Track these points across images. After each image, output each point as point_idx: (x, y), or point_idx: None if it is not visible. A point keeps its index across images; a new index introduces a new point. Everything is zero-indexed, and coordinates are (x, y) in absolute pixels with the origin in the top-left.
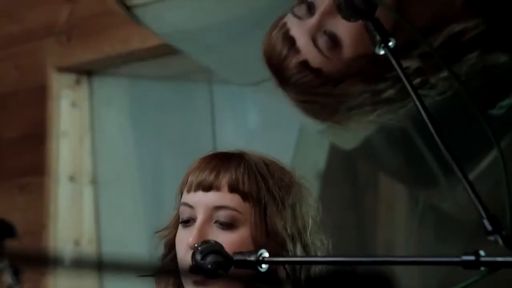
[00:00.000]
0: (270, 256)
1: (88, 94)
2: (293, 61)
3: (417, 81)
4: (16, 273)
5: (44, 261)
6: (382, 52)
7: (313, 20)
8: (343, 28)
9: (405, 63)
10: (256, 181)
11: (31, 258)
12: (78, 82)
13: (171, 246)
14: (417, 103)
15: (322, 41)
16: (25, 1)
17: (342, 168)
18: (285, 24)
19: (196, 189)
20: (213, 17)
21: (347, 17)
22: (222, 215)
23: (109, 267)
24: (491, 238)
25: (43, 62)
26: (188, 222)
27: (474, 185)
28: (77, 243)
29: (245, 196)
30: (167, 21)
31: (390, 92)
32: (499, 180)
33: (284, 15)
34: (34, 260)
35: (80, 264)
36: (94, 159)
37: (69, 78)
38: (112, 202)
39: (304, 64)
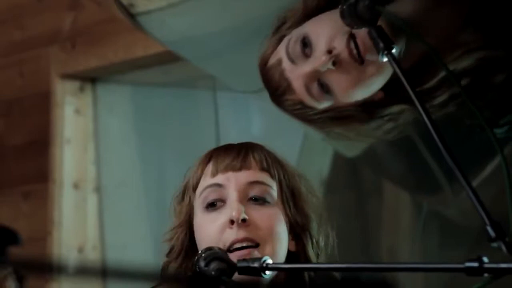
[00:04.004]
0: (300, 236)
1: (92, 101)
2: (290, 98)
3: (389, 125)
4: (20, 280)
5: (48, 268)
6: (385, 59)
7: (307, 69)
8: (337, 83)
9: (398, 107)
10: (279, 164)
11: (35, 265)
12: (82, 89)
13: (180, 248)
14: (421, 110)
15: (314, 89)
16: (29, 8)
17: (346, 174)
18: (280, 61)
19: (225, 171)
20: (216, 25)
21: (350, 25)
22: (257, 190)
23: (113, 273)
24: (495, 244)
25: (47, 69)
26: (214, 205)
27: (477, 192)
28: (81, 250)
29: (273, 176)
30: (170, 29)
31: (385, 127)
32: (502, 187)
33: (278, 36)
34: (38, 267)
35: (84, 271)
36: (98, 166)
37: (73, 85)
38: (116, 208)
39: (301, 103)
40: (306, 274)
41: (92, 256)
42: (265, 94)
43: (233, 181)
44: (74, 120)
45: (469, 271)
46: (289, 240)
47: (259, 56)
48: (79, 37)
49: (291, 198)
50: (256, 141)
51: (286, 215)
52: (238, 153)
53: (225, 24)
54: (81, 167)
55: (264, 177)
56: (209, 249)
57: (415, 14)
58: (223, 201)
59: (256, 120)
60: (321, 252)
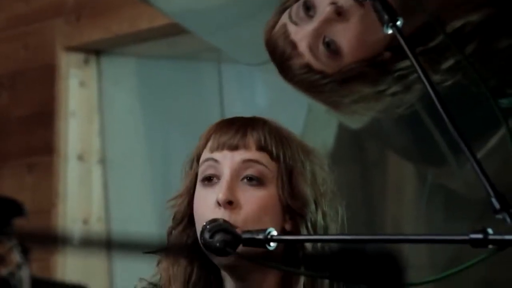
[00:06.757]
0: (295, 217)
1: (96, 74)
2: (297, 62)
3: (398, 87)
4: (25, 252)
5: (52, 240)
6: (390, 32)
7: (311, 28)
8: (343, 35)
9: (407, 62)
10: (281, 141)
11: (40, 237)
12: (86, 62)
13: (183, 215)
14: (426, 82)
15: (320, 49)
16: None
17: (351, 146)
18: (285, 25)
19: (222, 149)
20: None
21: None
22: (251, 169)
23: (117, 245)
24: (499, 216)
25: (52, 42)
26: (210, 179)
27: (482, 164)
28: (85, 222)
29: (272, 155)
30: (175, 1)
31: (393, 89)
32: (507, 158)
33: (281, 9)
34: (43, 239)
35: (88, 243)
36: (102, 138)
37: (78, 57)
38: (121, 181)
39: (308, 66)
40: (300, 252)
41: (97, 228)
42: (270, 67)
43: (228, 159)
44: (78, 92)
45: (474, 242)
46: (286, 220)
47: (264, 31)
48: (83, 10)
49: (288, 181)
50: (261, 113)
51: (280, 198)
52: (236, 131)
53: None
54: (86, 140)
55: (261, 157)
56: (213, 221)
57: None
58: (218, 178)
59: (260, 92)
60: (321, 233)
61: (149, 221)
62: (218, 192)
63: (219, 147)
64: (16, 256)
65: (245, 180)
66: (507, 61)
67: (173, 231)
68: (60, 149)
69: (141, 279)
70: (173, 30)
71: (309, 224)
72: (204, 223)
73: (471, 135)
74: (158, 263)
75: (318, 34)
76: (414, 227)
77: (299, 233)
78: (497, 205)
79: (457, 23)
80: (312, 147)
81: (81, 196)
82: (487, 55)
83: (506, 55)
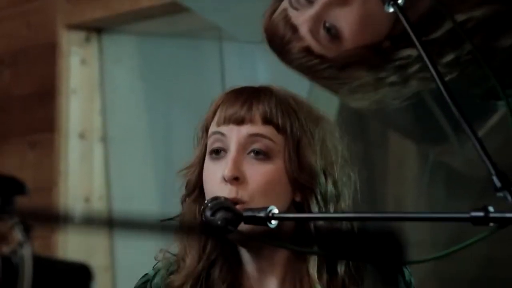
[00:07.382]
0: (304, 189)
1: (97, 52)
2: (297, 46)
3: (397, 78)
4: (26, 230)
5: (54, 218)
6: (391, 10)
7: (312, 12)
8: (344, 20)
9: (407, 52)
10: (288, 113)
11: (41, 215)
12: (87, 40)
13: (194, 185)
14: (427, 61)
15: (321, 34)
16: None
17: (353, 125)
18: (285, 10)
19: (228, 123)
20: None
21: None
22: (257, 144)
23: (119, 224)
24: (500, 194)
25: (53, 20)
26: (218, 153)
27: (483, 142)
28: (87, 200)
29: (278, 128)
30: None
31: (392, 78)
32: (508, 136)
33: None
34: (45, 217)
35: (90, 221)
36: (104, 116)
37: (79, 35)
38: (122, 159)
39: (308, 50)
40: (312, 225)
41: (98, 206)
42: None
43: (234, 134)
44: (80, 70)
45: (475, 220)
46: (295, 192)
47: (263, 18)
48: None
49: (295, 154)
50: None
51: (287, 172)
52: (242, 104)
53: None
54: (87, 117)
55: (267, 131)
56: (215, 198)
57: None
58: (225, 151)
59: (262, 70)
60: (334, 201)
61: (150, 198)
62: (224, 168)
63: (226, 121)
64: (18, 234)
65: (252, 154)
66: (507, 62)
67: (186, 199)
68: (62, 127)
69: (161, 250)
70: (174, 8)
71: (318, 197)
72: (206, 201)
73: (472, 113)
74: (175, 233)
75: (319, 18)
76: (416, 205)
77: (309, 204)
78: (498, 183)
79: (460, 18)
80: (322, 113)
81: (82, 174)
82: (487, 54)
83: (506, 56)
